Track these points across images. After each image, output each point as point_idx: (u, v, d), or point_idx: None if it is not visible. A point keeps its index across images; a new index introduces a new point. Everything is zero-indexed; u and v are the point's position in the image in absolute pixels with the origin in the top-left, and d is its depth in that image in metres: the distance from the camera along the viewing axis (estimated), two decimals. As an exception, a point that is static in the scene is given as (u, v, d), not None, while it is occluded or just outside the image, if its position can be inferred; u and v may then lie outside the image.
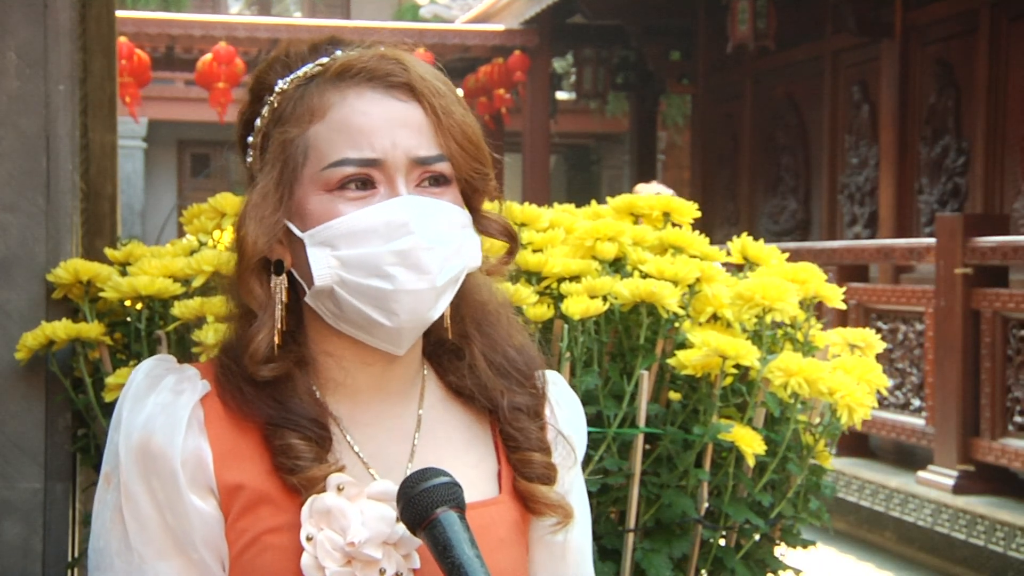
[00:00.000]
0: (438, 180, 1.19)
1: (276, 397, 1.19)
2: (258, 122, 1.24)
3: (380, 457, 1.21)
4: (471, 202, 1.25)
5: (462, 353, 1.29)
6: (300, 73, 1.22)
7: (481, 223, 1.26)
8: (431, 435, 1.24)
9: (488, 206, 1.28)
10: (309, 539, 1.13)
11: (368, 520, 1.13)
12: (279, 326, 1.20)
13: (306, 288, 1.20)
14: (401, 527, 1.14)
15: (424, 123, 1.18)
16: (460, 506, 1.11)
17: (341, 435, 1.21)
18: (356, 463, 1.20)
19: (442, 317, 1.25)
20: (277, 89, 1.23)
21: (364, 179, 1.17)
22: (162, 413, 1.18)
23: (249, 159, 1.25)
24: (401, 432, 1.24)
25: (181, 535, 1.16)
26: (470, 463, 1.19)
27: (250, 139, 1.25)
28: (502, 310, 1.33)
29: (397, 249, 1.15)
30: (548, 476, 1.27)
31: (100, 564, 1.18)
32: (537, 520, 1.27)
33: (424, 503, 1.10)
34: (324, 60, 1.22)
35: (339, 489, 1.14)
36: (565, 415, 1.34)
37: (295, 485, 1.15)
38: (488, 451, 1.28)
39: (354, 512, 1.13)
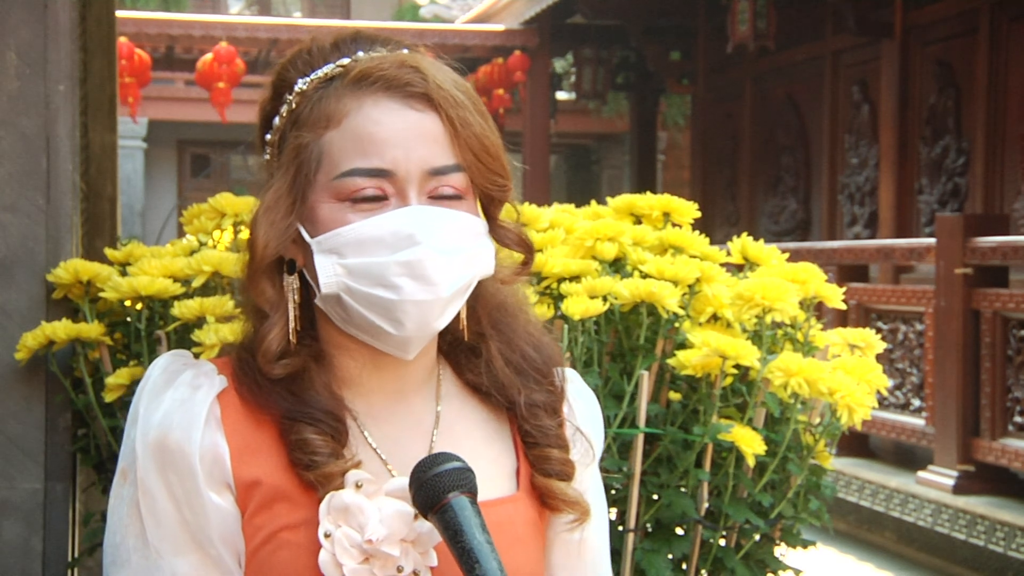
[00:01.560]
0: (453, 190, 1.19)
1: (292, 391, 1.19)
2: (277, 120, 1.24)
3: (398, 453, 1.21)
4: (488, 211, 1.24)
5: (479, 351, 1.28)
6: (320, 74, 1.21)
7: (497, 232, 1.25)
8: (449, 431, 1.24)
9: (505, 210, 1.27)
10: (327, 536, 1.13)
11: (386, 517, 1.13)
12: (293, 324, 1.20)
13: (316, 291, 1.20)
14: (419, 524, 1.14)
15: (440, 134, 1.17)
16: (472, 491, 1.11)
17: (358, 430, 1.21)
18: (374, 459, 1.20)
19: (458, 317, 1.24)
20: (296, 89, 1.22)
21: (376, 193, 1.16)
22: (179, 409, 1.18)
23: (267, 156, 1.25)
24: (419, 428, 1.24)
25: (198, 531, 1.16)
26: (488, 460, 1.19)
27: (268, 136, 1.25)
28: (520, 307, 1.32)
29: (403, 260, 1.14)
30: (566, 472, 1.27)
31: (116, 559, 1.19)
32: (554, 517, 1.27)
33: (436, 488, 1.10)
34: (345, 61, 1.21)
35: (357, 486, 1.14)
36: (583, 412, 1.34)
37: (311, 481, 1.15)
38: (506, 448, 1.27)
39: (372, 509, 1.13)
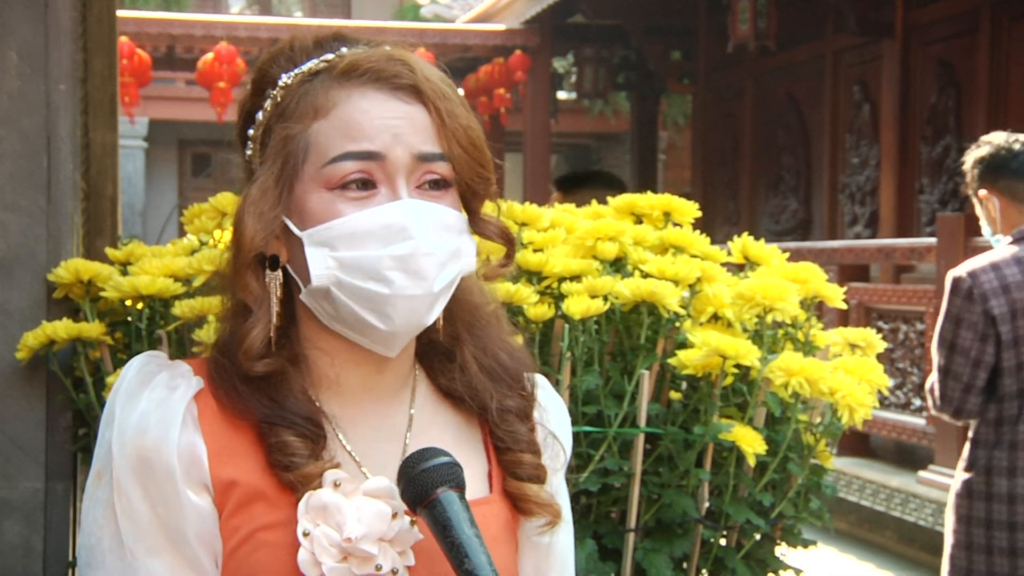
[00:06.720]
0: (438, 183, 1.19)
1: (270, 395, 1.19)
2: (260, 115, 1.23)
3: (372, 456, 1.22)
4: (469, 205, 1.24)
5: (453, 355, 1.29)
6: (305, 68, 1.21)
7: (479, 226, 1.25)
8: (423, 434, 1.25)
9: (486, 207, 1.27)
10: (306, 535, 1.13)
11: (364, 516, 1.13)
12: (274, 322, 1.20)
13: (301, 285, 1.20)
14: (397, 524, 1.14)
15: (428, 124, 1.18)
16: (460, 486, 1.12)
17: (333, 433, 1.21)
18: (348, 462, 1.20)
19: (436, 319, 1.25)
20: (280, 83, 1.22)
21: (365, 178, 1.16)
22: (156, 409, 1.17)
23: (248, 152, 1.25)
24: (393, 431, 1.24)
25: (174, 531, 1.15)
26: (462, 462, 1.19)
27: (250, 132, 1.25)
28: (494, 313, 1.33)
29: (396, 254, 1.15)
30: (538, 476, 1.28)
31: (91, 561, 1.18)
32: (526, 520, 1.28)
33: (424, 482, 1.11)
34: (329, 57, 1.21)
35: (335, 485, 1.14)
36: (553, 418, 1.34)
37: (290, 482, 1.15)
38: (478, 452, 1.28)
39: (350, 508, 1.13)
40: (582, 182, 4.11)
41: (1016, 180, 3.29)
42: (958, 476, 3.32)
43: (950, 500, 3.34)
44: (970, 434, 3.34)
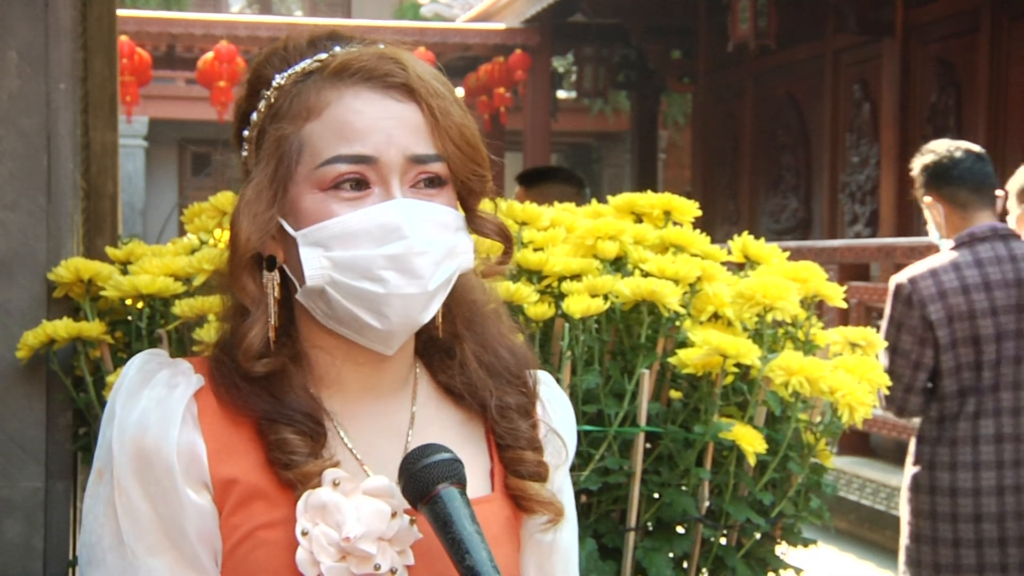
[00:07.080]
0: (433, 181, 1.19)
1: (271, 392, 1.19)
2: (254, 116, 1.23)
3: (373, 453, 1.22)
4: (467, 203, 1.24)
5: (453, 352, 1.29)
6: (298, 69, 1.21)
7: (476, 224, 1.25)
8: (424, 432, 1.25)
9: (484, 205, 1.27)
10: (304, 534, 1.13)
11: (363, 515, 1.13)
12: (272, 322, 1.20)
13: (298, 285, 1.20)
14: (396, 523, 1.14)
15: (421, 123, 1.18)
16: (461, 482, 1.12)
17: (335, 431, 1.21)
18: (350, 459, 1.20)
19: (434, 316, 1.25)
20: (274, 84, 1.22)
21: (358, 179, 1.16)
22: (156, 408, 1.18)
23: (244, 153, 1.25)
24: (394, 429, 1.24)
25: (174, 529, 1.16)
26: (463, 460, 1.19)
27: (245, 132, 1.25)
28: (494, 310, 1.32)
29: (390, 253, 1.15)
30: (540, 474, 1.27)
31: (92, 559, 1.18)
32: (528, 518, 1.28)
33: (425, 479, 1.11)
34: (322, 56, 1.21)
35: (335, 484, 1.14)
36: (556, 414, 1.34)
37: (290, 480, 1.15)
38: (480, 449, 1.28)
39: (349, 507, 1.13)
40: (543, 177, 4.29)
41: (957, 187, 3.49)
42: (907, 471, 3.47)
43: (902, 494, 3.50)
44: (916, 431, 3.49)
